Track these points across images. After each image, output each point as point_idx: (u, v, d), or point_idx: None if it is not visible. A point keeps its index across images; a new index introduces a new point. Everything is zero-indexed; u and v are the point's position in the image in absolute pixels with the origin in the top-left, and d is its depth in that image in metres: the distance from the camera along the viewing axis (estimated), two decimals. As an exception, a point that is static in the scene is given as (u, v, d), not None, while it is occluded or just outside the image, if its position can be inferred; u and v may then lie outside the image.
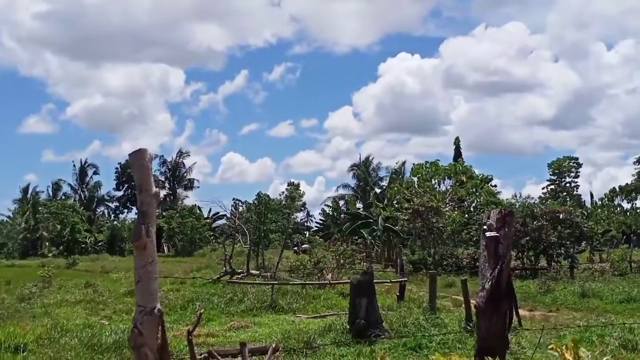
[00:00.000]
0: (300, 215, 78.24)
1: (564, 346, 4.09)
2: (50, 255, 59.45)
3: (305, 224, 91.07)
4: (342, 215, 67.41)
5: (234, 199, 43.60)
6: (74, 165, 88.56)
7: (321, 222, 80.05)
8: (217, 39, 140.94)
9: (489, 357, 4.30)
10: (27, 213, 68.46)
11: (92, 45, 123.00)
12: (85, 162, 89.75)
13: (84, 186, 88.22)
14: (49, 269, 27.03)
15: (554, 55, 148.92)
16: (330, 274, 26.67)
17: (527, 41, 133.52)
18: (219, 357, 5.17)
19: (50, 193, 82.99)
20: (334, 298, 20.80)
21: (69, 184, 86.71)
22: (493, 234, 6.05)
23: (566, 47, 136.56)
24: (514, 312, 6.38)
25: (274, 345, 6.12)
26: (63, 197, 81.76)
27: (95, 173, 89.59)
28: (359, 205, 73.00)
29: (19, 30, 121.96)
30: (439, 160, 49.96)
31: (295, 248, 49.94)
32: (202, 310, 5.12)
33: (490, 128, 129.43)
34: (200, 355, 5.02)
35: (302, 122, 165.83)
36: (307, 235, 71.95)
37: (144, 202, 4.03)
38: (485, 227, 6.16)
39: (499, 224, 6.12)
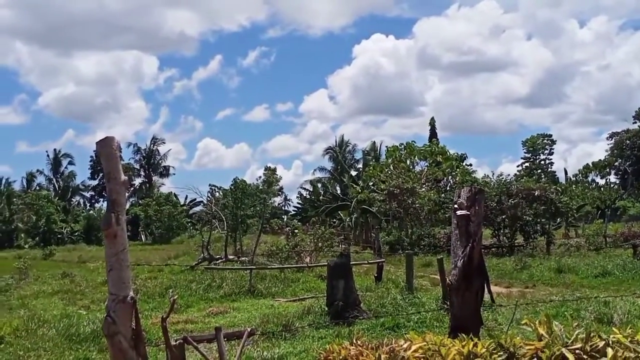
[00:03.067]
0: (277, 200, 78.06)
1: (538, 321, 4.14)
2: (26, 246, 58.95)
3: (283, 208, 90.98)
4: (320, 198, 67.55)
5: (210, 185, 43.52)
6: (48, 156, 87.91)
7: (299, 205, 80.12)
8: (190, 24, 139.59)
9: (463, 334, 4.33)
10: (1, 205, 67.72)
11: (62, 33, 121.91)
12: (60, 152, 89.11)
13: (58, 176, 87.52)
14: (25, 260, 26.83)
15: (527, 33, 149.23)
16: (309, 257, 26.74)
17: (500, 20, 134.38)
18: (194, 343, 5.17)
19: (25, 184, 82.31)
20: (312, 281, 20.90)
21: (44, 174, 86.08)
22: (464, 212, 6.10)
23: (539, 25, 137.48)
24: (487, 289, 6.44)
25: (249, 330, 6.14)
26: (37, 188, 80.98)
27: (70, 163, 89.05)
28: (337, 188, 73.14)
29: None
30: (414, 141, 50.10)
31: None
32: (175, 297, 5.13)
33: (465, 108, 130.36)
34: (176, 341, 5.02)
35: (278, 106, 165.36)
36: (284, 219, 71.86)
37: (113, 190, 4.01)
38: (456, 205, 6.21)
39: (470, 202, 6.16)
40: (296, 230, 36.91)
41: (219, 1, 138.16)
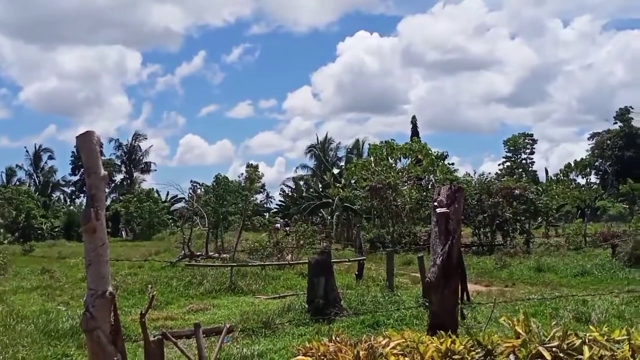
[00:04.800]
0: (260, 197, 77.99)
1: (515, 319, 4.18)
2: (5, 242, 58.36)
3: (265, 205, 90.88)
4: (303, 196, 67.55)
5: (192, 181, 43.40)
6: (27, 151, 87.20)
7: (281, 203, 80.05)
8: (175, 19, 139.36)
9: (441, 332, 4.36)
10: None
11: (46, 28, 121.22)
12: (40, 147, 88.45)
13: (38, 171, 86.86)
14: (4, 255, 26.59)
15: (511, 32, 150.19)
16: (290, 255, 26.74)
17: (484, 18, 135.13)
18: (173, 339, 5.16)
19: (4, 179, 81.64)
20: (293, 278, 20.91)
21: (24, 169, 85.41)
22: (443, 210, 6.14)
23: (523, 23, 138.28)
24: (464, 287, 6.49)
25: (228, 326, 6.13)
26: (17, 183, 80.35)
27: (50, 158, 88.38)
28: (319, 185, 73.16)
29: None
30: (393, 139, 50.22)
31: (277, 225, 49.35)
32: (154, 292, 5.12)
33: (448, 106, 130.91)
34: (155, 337, 5.01)
35: (261, 102, 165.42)
36: (266, 217, 71.77)
37: (93, 185, 4.00)
38: (435, 203, 6.25)
39: (449, 200, 6.20)
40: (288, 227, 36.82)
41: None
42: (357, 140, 76.09)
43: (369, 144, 57.04)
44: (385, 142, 49.91)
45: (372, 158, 48.67)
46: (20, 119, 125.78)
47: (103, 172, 4.04)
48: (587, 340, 3.84)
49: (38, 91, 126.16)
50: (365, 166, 47.05)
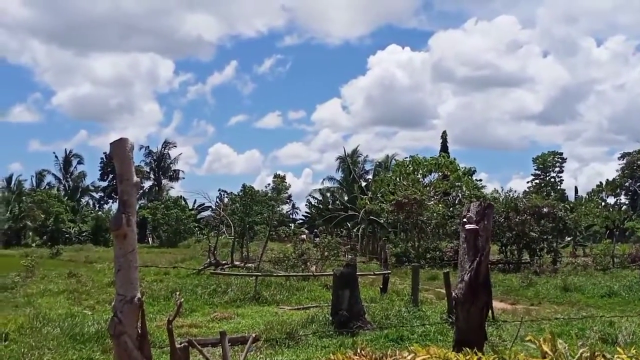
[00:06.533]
0: (286, 208, 78.10)
1: (542, 338, 4.14)
2: (33, 245, 59.09)
3: (291, 216, 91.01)
4: (329, 207, 67.51)
5: (219, 190, 43.61)
6: (56, 157, 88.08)
7: (307, 214, 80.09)
8: (208, 29, 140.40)
9: (467, 349, 4.34)
10: (12, 202, 67.95)
11: (80, 34, 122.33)
12: (70, 152, 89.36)
13: (68, 176, 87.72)
14: (33, 258, 26.86)
15: (544, 50, 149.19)
16: (315, 266, 26.72)
17: (517, 36, 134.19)
18: (199, 346, 5.19)
19: (34, 183, 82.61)
20: (317, 290, 20.87)
21: (53, 174, 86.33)
22: (472, 226, 6.11)
23: (556, 41, 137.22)
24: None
25: (253, 335, 6.15)
26: (47, 187, 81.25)
27: (79, 163, 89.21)
28: (345, 197, 73.09)
29: (5, 18, 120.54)
30: (418, 154, 50.16)
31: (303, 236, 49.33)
32: (181, 300, 5.15)
33: (478, 122, 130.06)
34: (181, 344, 5.04)
35: (290, 114, 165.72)
36: (292, 227, 71.88)
37: (125, 191, 4.04)
38: (464, 219, 6.22)
39: (479, 216, 6.17)
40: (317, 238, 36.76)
41: (238, 6, 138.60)
42: (387, 156, 75.90)
43: (395, 159, 57.00)
44: (411, 157, 49.84)
45: (397, 174, 48.58)
46: (52, 123, 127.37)
47: (135, 179, 4.08)
48: (615, 362, 3.80)
49: (70, 96, 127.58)
50: (391, 181, 46.98)
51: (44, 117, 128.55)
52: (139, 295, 4.05)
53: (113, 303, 4.06)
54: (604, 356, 3.86)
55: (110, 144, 4.07)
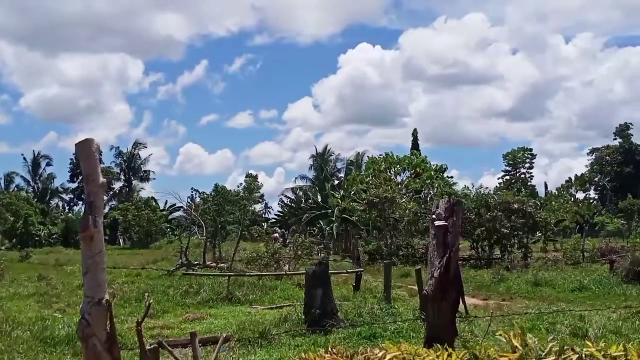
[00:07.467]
0: (258, 207, 77.84)
1: (512, 333, 4.17)
2: (2, 248, 58.29)
3: (264, 215, 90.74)
4: (301, 206, 67.45)
5: (192, 188, 43.32)
6: (25, 158, 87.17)
7: (279, 213, 79.93)
8: (179, 28, 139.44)
9: (438, 344, 4.36)
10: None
11: (49, 35, 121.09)
12: (39, 153, 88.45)
13: (37, 178, 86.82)
14: (1, 261, 26.54)
15: (513, 47, 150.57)
16: (288, 265, 26.69)
17: (486, 33, 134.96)
18: (169, 348, 5.16)
19: (2, 185, 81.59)
20: (290, 289, 20.86)
21: (21, 176, 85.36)
22: (442, 223, 6.14)
23: (525, 39, 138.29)
24: (461, 300, 6.49)
25: (224, 335, 6.13)
26: (16, 189, 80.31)
27: (48, 164, 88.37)
28: (318, 196, 73.06)
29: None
30: (391, 152, 50.24)
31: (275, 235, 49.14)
32: (151, 301, 5.12)
33: (449, 119, 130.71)
34: (151, 345, 5.00)
35: (262, 113, 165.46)
36: (264, 227, 71.68)
37: (91, 192, 4.00)
38: (434, 216, 6.25)
39: (448, 213, 6.20)
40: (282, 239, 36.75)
41: (208, 5, 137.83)
42: (358, 153, 76.01)
43: (367, 157, 57.10)
44: (385, 154, 49.93)
45: (369, 172, 48.64)
46: (20, 125, 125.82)
47: (102, 179, 4.05)
48: (583, 356, 3.84)
49: (39, 98, 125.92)
50: (363, 180, 47.05)
51: (12, 119, 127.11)
52: (107, 297, 4.01)
53: (81, 305, 4.02)
54: (573, 350, 3.89)
55: (76, 144, 4.03)
